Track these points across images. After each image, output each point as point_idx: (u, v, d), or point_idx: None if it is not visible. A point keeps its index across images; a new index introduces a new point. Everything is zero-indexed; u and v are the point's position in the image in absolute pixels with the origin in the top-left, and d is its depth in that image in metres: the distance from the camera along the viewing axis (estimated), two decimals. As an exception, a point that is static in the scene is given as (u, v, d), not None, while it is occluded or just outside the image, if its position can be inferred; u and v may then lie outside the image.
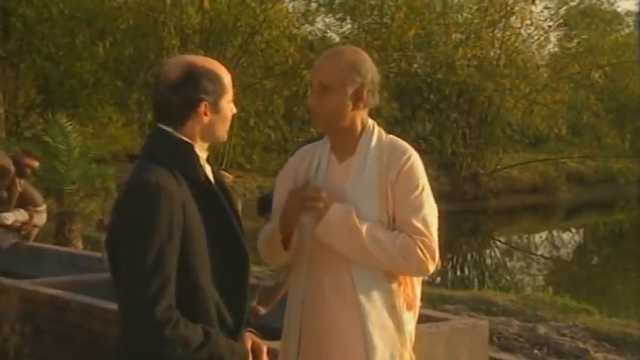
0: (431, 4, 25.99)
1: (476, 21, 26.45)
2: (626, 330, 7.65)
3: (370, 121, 2.98)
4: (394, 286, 2.90)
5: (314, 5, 25.79)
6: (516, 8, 26.45)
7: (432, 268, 2.89)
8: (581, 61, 27.43)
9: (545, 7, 28.34)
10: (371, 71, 2.92)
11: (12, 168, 9.19)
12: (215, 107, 2.51)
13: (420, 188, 2.89)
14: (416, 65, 26.19)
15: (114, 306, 5.38)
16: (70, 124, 13.08)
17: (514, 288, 13.01)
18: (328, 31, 26.85)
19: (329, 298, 2.88)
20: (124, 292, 2.35)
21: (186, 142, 2.49)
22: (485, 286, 13.03)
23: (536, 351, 7.02)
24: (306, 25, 25.66)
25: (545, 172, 27.57)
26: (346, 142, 2.94)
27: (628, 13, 31.40)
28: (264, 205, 4.09)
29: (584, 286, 13.85)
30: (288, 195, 2.91)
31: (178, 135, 2.49)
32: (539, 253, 18.09)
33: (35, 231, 9.90)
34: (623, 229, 22.32)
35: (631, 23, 30.71)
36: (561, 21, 29.66)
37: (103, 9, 20.70)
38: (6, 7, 21.60)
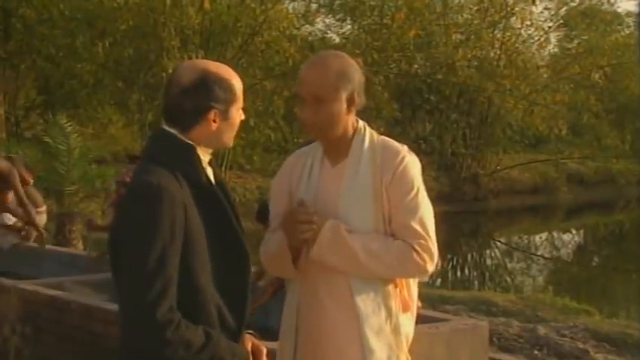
0: (431, 4, 25.96)
1: (476, 22, 26.43)
2: (627, 331, 7.65)
3: (361, 123, 2.98)
4: (390, 288, 2.90)
5: (314, 6, 25.78)
6: (516, 9, 26.43)
7: (430, 268, 2.89)
8: (582, 62, 27.40)
9: (546, 8, 28.35)
10: (357, 74, 2.90)
11: (15, 171, 9.19)
12: (224, 115, 2.52)
13: (416, 189, 2.89)
14: (416, 66, 26.16)
15: (114, 307, 5.39)
16: (70, 125, 13.09)
17: (514, 289, 13.01)
18: (328, 31, 26.88)
19: (325, 300, 2.88)
20: (125, 293, 2.35)
21: (188, 143, 2.49)
22: (486, 287, 13.04)
23: (536, 352, 7.02)
24: (307, 26, 25.65)
25: (546, 173, 27.56)
26: (339, 145, 2.94)
27: (628, 14, 31.43)
28: (263, 212, 4.09)
29: (585, 287, 13.86)
30: (283, 219, 2.90)
31: (181, 137, 2.49)
32: (539, 253, 18.09)
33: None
34: (624, 229, 22.32)
35: (631, 24, 30.72)
36: (561, 22, 29.65)
37: (103, 10, 20.67)
38: (6, 8, 21.59)
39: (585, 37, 30.14)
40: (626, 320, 8.61)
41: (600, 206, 25.76)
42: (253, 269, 3.25)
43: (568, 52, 29.81)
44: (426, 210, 2.90)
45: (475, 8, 26.75)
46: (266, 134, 22.77)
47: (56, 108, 19.62)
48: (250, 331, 2.61)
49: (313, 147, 3.03)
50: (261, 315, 4.77)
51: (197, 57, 18.55)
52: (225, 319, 2.47)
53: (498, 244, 19.69)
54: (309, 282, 2.91)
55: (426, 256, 2.86)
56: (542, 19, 28.07)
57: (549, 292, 11.20)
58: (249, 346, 2.58)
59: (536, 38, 27.94)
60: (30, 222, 8.73)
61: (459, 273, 15.90)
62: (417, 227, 2.85)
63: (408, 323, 2.98)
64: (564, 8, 29.52)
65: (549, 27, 28.53)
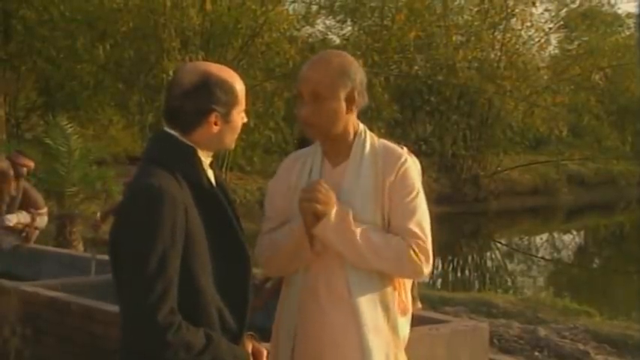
0: (431, 6, 25.97)
1: (476, 23, 26.44)
2: (627, 332, 7.66)
3: (361, 126, 2.98)
4: (389, 289, 2.91)
5: (314, 7, 25.79)
6: (517, 10, 26.44)
7: (426, 270, 2.90)
8: (582, 63, 27.41)
9: (546, 9, 28.37)
10: (359, 73, 2.91)
11: (11, 171, 9.20)
12: (226, 118, 2.52)
13: (415, 192, 2.90)
14: (416, 67, 26.16)
15: (114, 308, 5.39)
16: (71, 126, 13.10)
17: (514, 290, 13.01)
18: (329, 33, 26.87)
19: (324, 300, 2.88)
20: (126, 295, 2.35)
21: (189, 145, 2.49)
22: (486, 288, 13.03)
23: (536, 353, 7.02)
24: (307, 27, 25.67)
25: (546, 174, 27.56)
26: (340, 146, 2.94)
27: (628, 15, 31.40)
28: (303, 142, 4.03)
29: (585, 288, 13.86)
30: (301, 192, 2.87)
31: (182, 139, 2.49)
32: (539, 255, 18.09)
33: (36, 233, 9.90)
34: (624, 231, 22.32)
35: (631, 25, 30.67)
36: (562, 23, 29.65)
37: (103, 11, 20.68)
38: (7, 10, 21.60)
39: (586, 39, 30.15)
40: (627, 321, 8.60)
41: (601, 207, 25.76)
42: (259, 272, 3.24)
43: (568, 54, 29.82)
44: (424, 213, 2.92)
45: (475, 9, 26.76)
46: (266, 135, 22.78)
47: (57, 109, 19.66)
48: (251, 333, 2.61)
49: (312, 149, 3.03)
50: (261, 316, 4.76)
51: (197, 58, 18.58)
52: (226, 320, 2.47)
53: (499, 245, 19.69)
54: (309, 281, 2.91)
55: (422, 257, 2.86)
56: (543, 20, 28.12)
57: (550, 293, 11.21)
58: (249, 348, 2.59)
59: (537, 39, 27.95)
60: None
61: (459, 274, 15.90)
62: (415, 228, 2.87)
63: (405, 326, 2.99)
64: (564, 9, 29.55)
65: (550, 28, 28.57)
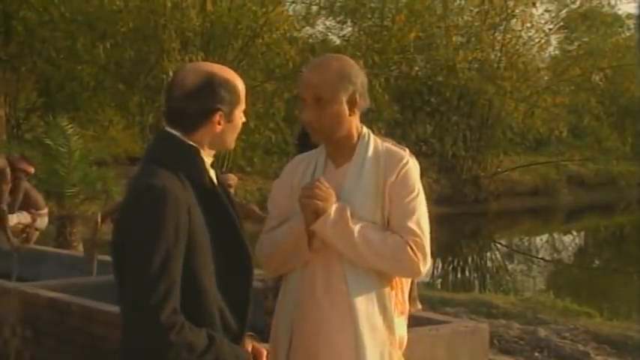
0: (431, 6, 25.98)
1: (476, 24, 26.45)
2: (627, 333, 7.66)
3: (365, 129, 3.01)
4: (387, 288, 2.93)
5: (315, 8, 25.80)
6: (517, 11, 26.44)
7: (424, 269, 2.91)
8: (582, 64, 27.42)
9: (546, 10, 28.37)
10: (360, 75, 2.93)
11: (8, 170, 9.21)
12: (229, 117, 2.53)
13: (416, 193, 2.93)
14: (416, 68, 26.18)
15: (115, 309, 5.39)
16: (71, 127, 13.11)
17: (515, 291, 13.00)
18: (329, 33, 26.87)
19: (321, 298, 2.90)
20: (129, 295, 2.35)
21: (191, 145, 2.50)
22: (486, 289, 13.04)
23: (536, 354, 7.03)
24: (307, 28, 25.68)
25: (546, 175, 27.56)
26: (343, 148, 2.97)
27: (628, 16, 31.39)
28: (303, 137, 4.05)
29: (585, 289, 13.85)
30: (301, 193, 2.90)
31: (184, 138, 2.50)
32: (539, 255, 18.09)
33: (36, 234, 9.91)
34: (624, 231, 22.31)
35: (632, 26, 30.66)
36: (562, 24, 29.65)
37: (103, 12, 20.69)
38: (7, 10, 21.60)
39: (586, 40, 30.15)
40: (627, 322, 8.61)
41: (601, 208, 25.76)
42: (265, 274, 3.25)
43: (568, 55, 29.81)
44: (424, 213, 2.95)
45: (475, 10, 26.75)
46: (266, 136, 22.80)
47: (57, 110, 19.64)
48: (251, 333, 2.61)
49: (316, 151, 3.06)
50: (261, 316, 4.77)
51: (198, 59, 18.57)
52: (228, 321, 2.47)
53: (499, 246, 19.69)
54: (307, 277, 2.93)
55: (420, 255, 2.88)
56: (543, 21, 28.12)
57: (550, 294, 11.18)
58: (249, 348, 2.59)
59: (537, 40, 27.95)
60: None
61: (459, 275, 15.90)
62: (413, 226, 2.89)
63: (402, 326, 3.01)
64: (565, 10, 29.54)
65: (550, 29, 28.57)
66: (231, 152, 19.64)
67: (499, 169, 26.77)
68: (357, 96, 2.90)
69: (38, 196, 10.06)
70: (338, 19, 26.56)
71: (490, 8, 26.14)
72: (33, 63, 22.06)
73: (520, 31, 27.04)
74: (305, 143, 3.19)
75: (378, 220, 2.90)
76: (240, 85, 2.56)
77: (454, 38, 25.79)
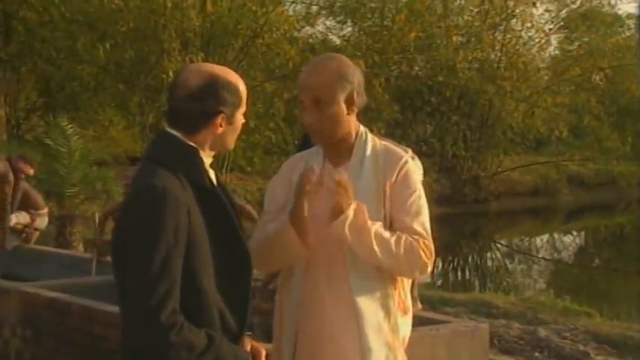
0: (432, 6, 25.99)
1: (476, 24, 26.45)
2: (627, 333, 7.66)
3: (362, 128, 3.00)
4: (390, 289, 2.93)
5: (315, 8, 25.83)
6: (517, 11, 26.45)
7: (430, 268, 2.95)
8: (582, 64, 27.43)
9: (546, 10, 28.37)
10: (356, 75, 2.93)
11: (10, 174, 9.21)
12: (230, 119, 2.54)
13: (417, 192, 2.94)
14: (417, 68, 26.19)
15: (115, 309, 5.37)
16: (71, 127, 13.09)
17: (515, 291, 13.00)
18: (329, 34, 26.90)
19: (325, 299, 2.90)
20: (129, 295, 2.35)
21: (191, 145, 2.50)
22: (486, 289, 13.03)
23: (536, 354, 7.03)
24: (307, 28, 25.70)
25: (546, 175, 27.56)
26: (341, 148, 2.97)
27: (629, 16, 31.38)
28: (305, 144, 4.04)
29: (585, 289, 13.85)
30: (300, 178, 2.88)
31: (184, 139, 2.50)
32: (540, 255, 18.09)
33: (36, 234, 9.91)
34: (624, 231, 22.31)
35: (632, 26, 30.66)
36: (562, 24, 29.66)
37: (103, 12, 20.68)
38: (7, 10, 21.60)
39: (586, 40, 30.15)
40: (627, 322, 8.60)
41: (601, 208, 25.76)
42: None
43: (569, 54, 29.82)
44: (426, 213, 2.96)
45: (476, 10, 26.75)
46: (267, 136, 22.80)
47: (57, 110, 19.64)
48: (249, 333, 2.61)
49: (313, 150, 3.05)
50: (260, 316, 4.77)
51: (198, 59, 18.58)
52: (227, 321, 2.47)
53: (499, 245, 19.69)
54: (310, 280, 2.92)
55: (427, 254, 2.90)
56: (543, 21, 28.13)
57: (550, 294, 11.18)
58: (248, 348, 2.59)
59: (537, 40, 27.96)
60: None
61: (459, 275, 15.90)
62: (418, 227, 2.90)
63: (405, 326, 3.01)
64: (565, 10, 29.55)
65: (550, 29, 28.58)
66: (232, 152, 19.65)
67: (499, 169, 26.77)
68: (355, 95, 2.90)
69: (37, 196, 10.05)
70: (338, 19, 26.58)
71: (490, 8, 26.15)
72: (33, 63, 22.06)
73: (520, 31, 27.06)
74: (306, 148, 3.18)
75: (380, 220, 2.89)
76: (242, 87, 2.57)
77: (454, 38, 25.80)
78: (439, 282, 13.24)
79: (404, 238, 2.86)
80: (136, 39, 20.90)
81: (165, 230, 2.34)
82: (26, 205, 9.71)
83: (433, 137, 27.26)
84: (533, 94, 26.52)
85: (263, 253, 2.92)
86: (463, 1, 27.15)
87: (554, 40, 29.90)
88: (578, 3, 29.85)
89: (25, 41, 21.71)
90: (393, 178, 2.91)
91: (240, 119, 2.58)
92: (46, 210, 10.07)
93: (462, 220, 22.36)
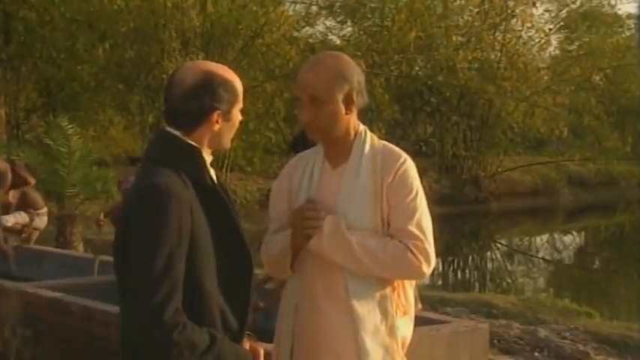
0: (432, 6, 25.97)
1: (476, 24, 26.42)
2: (627, 333, 7.66)
3: (362, 127, 2.98)
4: (387, 291, 2.92)
5: (315, 8, 25.82)
6: (517, 11, 26.42)
7: (427, 270, 2.89)
8: (582, 64, 27.41)
9: (546, 10, 28.36)
10: (356, 73, 2.91)
11: (9, 174, 9.21)
12: (227, 116, 2.54)
13: (415, 193, 2.90)
14: (417, 68, 26.17)
15: (114, 309, 5.38)
16: (71, 127, 13.08)
17: (515, 291, 13.00)
18: (329, 34, 26.87)
19: (322, 301, 2.89)
20: (132, 294, 2.36)
21: (193, 145, 2.51)
22: (486, 289, 13.04)
23: (536, 354, 7.03)
24: (307, 28, 25.69)
25: (546, 175, 27.55)
26: (340, 148, 2.95)
27: (629, 16, 31.39)
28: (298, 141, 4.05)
29: (585, 289, 13.86)
30: (292, 215, 2.91)
31: (185, 138, 2.50)
32: (540, 255, 18.08)
33: (36, 234, 9.91)
34: (624, 231, 22.30)
35: (632, 26, 30.67)
36: (562, 24, 29.64)
37: (103, 12, 20.68)
38: (7, 11, 21.59)
39: (586, 39, 30.13)
40: (627, 322, 8.60)
41: (601, 208, 25.76)
42: (260, 273, 3.26)
43: (569, 54, 29.80)
44: (424, 213, 2.92)
45: (476, 10, 26.73)
46: (267, 136, 22.79)
47: (57, 110, 19.65)
48: (248, 332, 2.62)
49: (314, 150, 3.04)
50: (259, 316, 4.77)
51: (198, 59, 18.54)
52: (228, 320, 2.48)
53: (499, 246, 19.68)
54: (306, 283, 2.92)
55: (421, 258, 2.86)
56: (543, 21, 28.10)
57: (550, 294, 11.20)
58: (247, 347, 2.59)
59: (537, 40, 27.94)
60: None
61: (459, 275, 15.90)
62: (414, 229, 2.86)
63: (405, 327, 2.99)
64: (565, 10, 29.54)
65: (550, 29, 28.54)
66: (231, 152, 19.67)
67: (499, 169, 26.76)
68: (354, 94, 2.88)
69: (37, 196, 10.05)
70: (338, 19, 26.57)
71: (490, 8, 26.13)
72: (33, 63, 22.05)
73: (520, 31, 27.04)
74: (298, 150, 3.19)
75: (377, 221, 2.88)
76: (238, 84, 2.57)
77: (454, 38, 25.77)
78: (439, 282, 13.24)
79: (391, 243, 2.84)
80: (136, 39, 20.90)
81: (168, 229, 2.34)
82: (25, 205, 9.71)
83: (433, 137, 27.26)
84: (533, 94, 26.50)
85: (271, 262, 3.01)
86: (463, 1, 27.14)
87: (554, 40, 29.91)
88: (578, 3, 29.85)
89: (25, 41, 21.69)
90: (390, 179, 2.88)
91: (236, 116, 2.58)
92: (45, 210, 10.07)
93: (462, 220, 22.36)
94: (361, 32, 25.73)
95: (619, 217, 24.95)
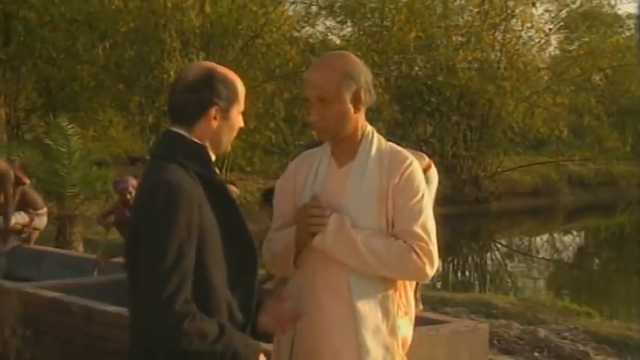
0: (431, 6, 25.98)
1: (476, 24, 26.44)
2: (627, 333, 7.66)
3: (369, 127, 2.98)
4: (390, 291, 2.92)
5: (315, 8, 25.83)
6: (517, 11, 26.43)
7: (430, 272, 2.90)
8: (582, 64, 27.42)
9: (546, 10, 28.37)
10: (363, 73, 2.91)
11: (10, 172, 9.21)
12: (225, 113, 2.57)
13: (420, 195, 2.90)
14: (417, 68, 26.18)
15: (114, 309, 5.39)
16: (71, 127, 13.09)
17: (515, 291, 13.01)
18: (329, 34, 26.89)
19: (323, 299, 2.89)
20: (143, 286, 2.40)
21: (200, 143, 2.56)
22: (486, 289, 13.04)
23: (536, 354, 7.03)
24: (307, 28, 25.71)
25: (546, 175, 27.57)
26: (347, 147, 2.95)
27: (629, 16, 31.45)
28: (269, 196, 4.09)
29: (585, 289, 13.86)
30: (297, 212, 2.92)
31: (190, 137, 2.55)
32: (540, 255, 18.09)
33: (36, 234, 9.90)
34: (624, 231, 22.31)
35: (632, 26, 30.71)
36: (562, 24, 29.66)
37: (103, 12, 20.69)
38: (7, 11, 21.60)
39: (586, 40, 30.15)
40: (627, 322, 8.61)
41: (601, 208, 25.77)
42: (260, 273, 3.26)
43: (569, 55, 29.80)
44: (429, 216, 2.92)
45: (475, 10, 26.75)
46: (267, 136, 22.81)
47: (57, 110, 19.66)
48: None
49: (320, 149, 3.04)
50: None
51: (198, 59, 18.56)
52: (234, 315, 2.53)
53: (499, 246, 19.69)
54: (308, 280, 2.92)
55: (425, 259, 2.86)
56: (543, 21, 28.12)
57: (550, 294, 11.20)
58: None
59: (537, 40, 27.96)
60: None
61: (459, 275, 15.90)
62: (419, 230, 2.87)
63: (406, 327, 2.99)
64: (565, 10, 29.55)
65: (550, 29, 28.56)
66: (231, 152, 19.67)
67: (499, 169, 26.78)
68: (362, 92, 2.88)
69: (36, 196, 10.05)
70: (338, 19, 26.59)
71: (490, 8, 26.14)
72: (33, 63, 22.06)
73: (520, 31, 27.05)
74: (271, 202, 3.22)
75: (382, 222, 2.88)
76: (239, 84, 2.61)
77: (454, 38, 25.78)
78: (439, 282, 13.24)
79: (396, 243, 2.84)
80: (136, 39, 20.92)
81: (178, 224, 2.39)
82: (25, 205, 9.70)
83: (433, 137, 27.26)
84: (533, 94, 26.51)
85: (274, 261, 3.01)
86: (463, 1, 27.16)
87: (554, 40, 29.94)
88: (578, 3, 29.86)
89: (25, 41, 21.70)
90: (396, 180, 2.88)
91: (236, 118, 2.61)
92: (45, 210, 10.07)
93: (462, 220, 22.35)
94: (361, 32, 25.75)
95: (619, 217, 24.95)
